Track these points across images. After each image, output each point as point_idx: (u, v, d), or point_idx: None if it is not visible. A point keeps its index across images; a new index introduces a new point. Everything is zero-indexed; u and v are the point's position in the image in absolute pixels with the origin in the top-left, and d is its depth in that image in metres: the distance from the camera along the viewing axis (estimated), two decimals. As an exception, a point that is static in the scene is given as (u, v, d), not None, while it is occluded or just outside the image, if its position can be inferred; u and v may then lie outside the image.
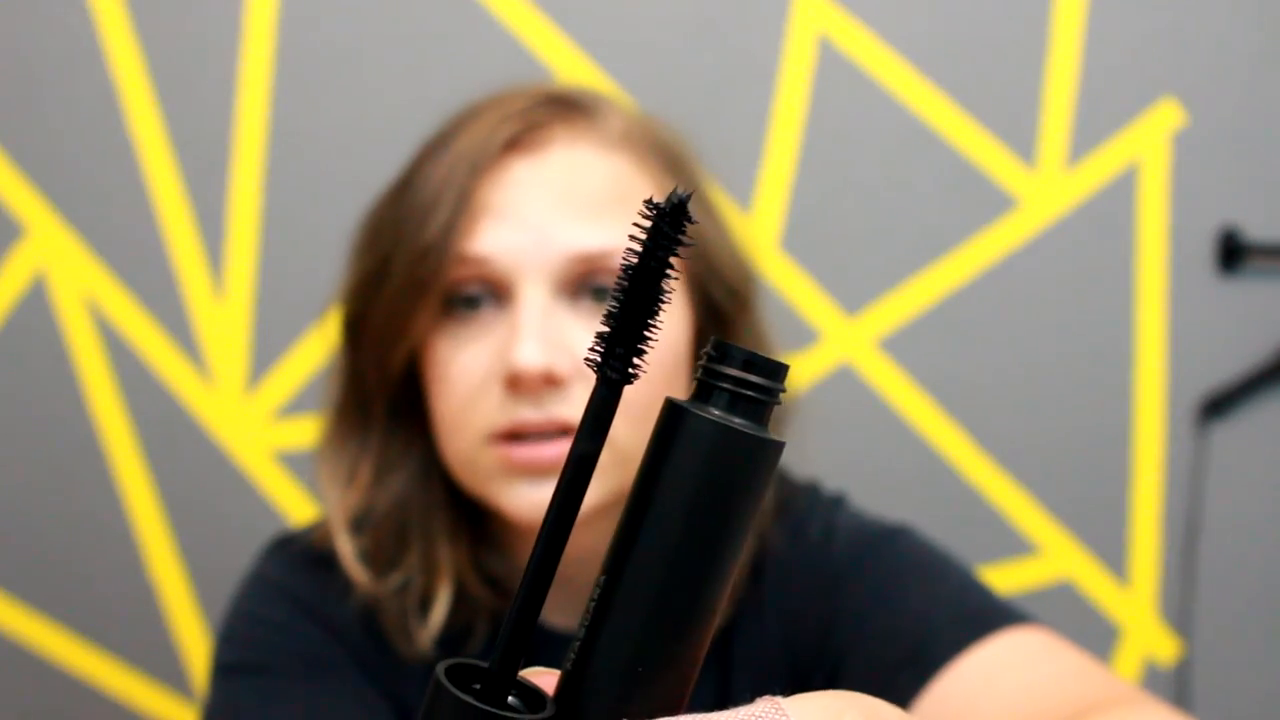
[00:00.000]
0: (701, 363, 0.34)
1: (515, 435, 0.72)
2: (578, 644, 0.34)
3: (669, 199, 0.32)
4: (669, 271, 0.33)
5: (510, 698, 0.35)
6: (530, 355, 0.69)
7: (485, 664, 0.35)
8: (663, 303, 0.33)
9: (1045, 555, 1.30)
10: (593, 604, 0.34)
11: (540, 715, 0.34)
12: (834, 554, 0.79)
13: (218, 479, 1.26)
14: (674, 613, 0.33)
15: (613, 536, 0.34)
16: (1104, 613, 1.30)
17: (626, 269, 0.32)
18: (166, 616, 1.27)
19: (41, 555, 1.26)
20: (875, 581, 0.76)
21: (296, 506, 1.27)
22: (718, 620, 0.35)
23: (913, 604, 0.74)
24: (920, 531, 0.81)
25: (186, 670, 1.27)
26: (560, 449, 0.71)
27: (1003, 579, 1.29)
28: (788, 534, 0.80)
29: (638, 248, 0.32)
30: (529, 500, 0.72)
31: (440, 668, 0.34)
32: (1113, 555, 1.31)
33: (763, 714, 0.31)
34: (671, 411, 0.34)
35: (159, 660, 1.27)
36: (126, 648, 1.27)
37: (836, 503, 0.84)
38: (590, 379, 0.71)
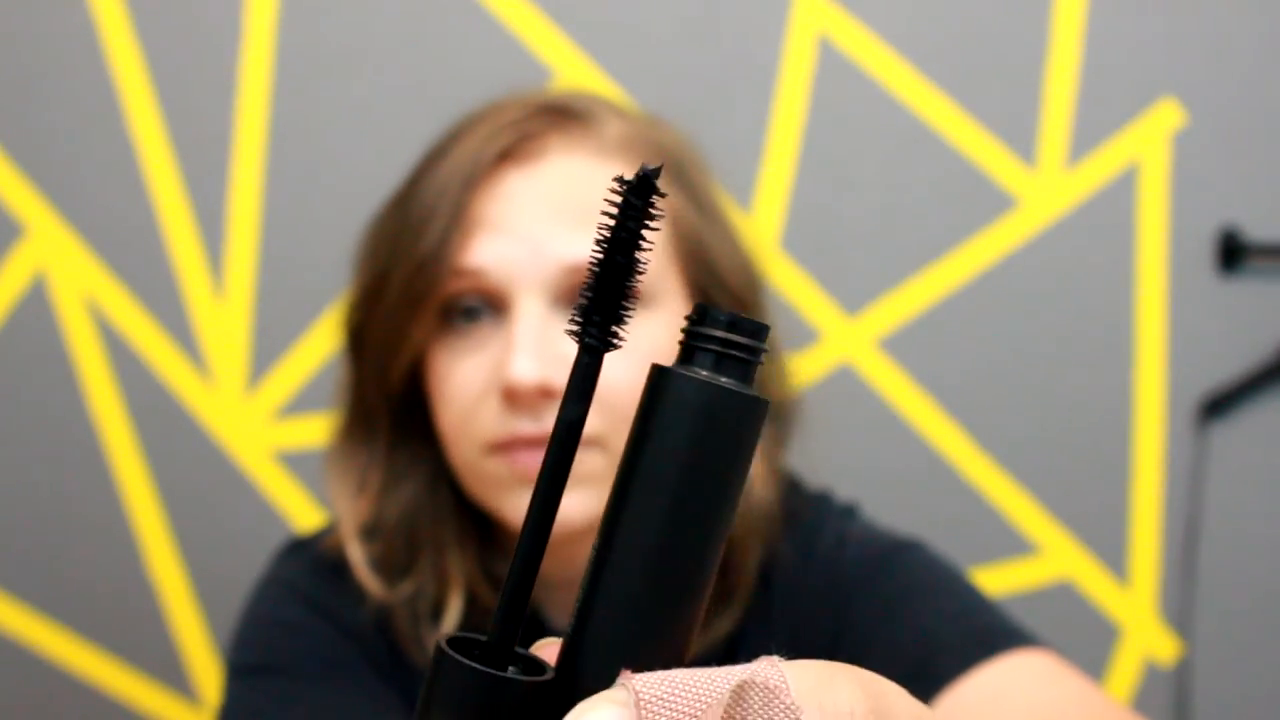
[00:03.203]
0: (685, 326, 0.35)
1: (513, 447, 0.72)
2: (576, 607, 0.35)
3: (637, 173, 0.34)
4: (640, 242, 0.34)
5: (511, 668, 0.35)
6: (525, 369, 0.69)
7: (484, 636, 0.36)
8: (637, 273, 0.34)
9: (1045, 555, 1.30)
10: (588, 572, 0.35)
11: (540, 678, 0.34)
12: (844, 566, 0.78)
13: (218, 479, 1.26)
14: (668, 576, 0.34)
15: (607, 501, 0.35)
16: (1104, 613, 1.30)
17: (599, 240, 0.34)
18: (166, 616, 1.27)
19: (41, 555, 1.26)
20: (885, 595, 0.76)
21: (297, 506, 1.27)
22: (713, 580, 0.35)
23: (921, 619, 0.74)
24: (932, 546, 0.81)
25: (186, 670, 1.27)
26: None
27: (1003, 579, 1.29)
28: (797, 545, 0.80)
29: (609, 221, 0.34)
30: None
31: (442, 639, 0.35)
32: (1113, 555, 1.31)
33: (760, 670, 0.32)
34: (658, 375, 0.34)
35: (159, 660, 1.27)
36: (126, 648, 1.27)
37: (848, 513, 0.84)
38: None
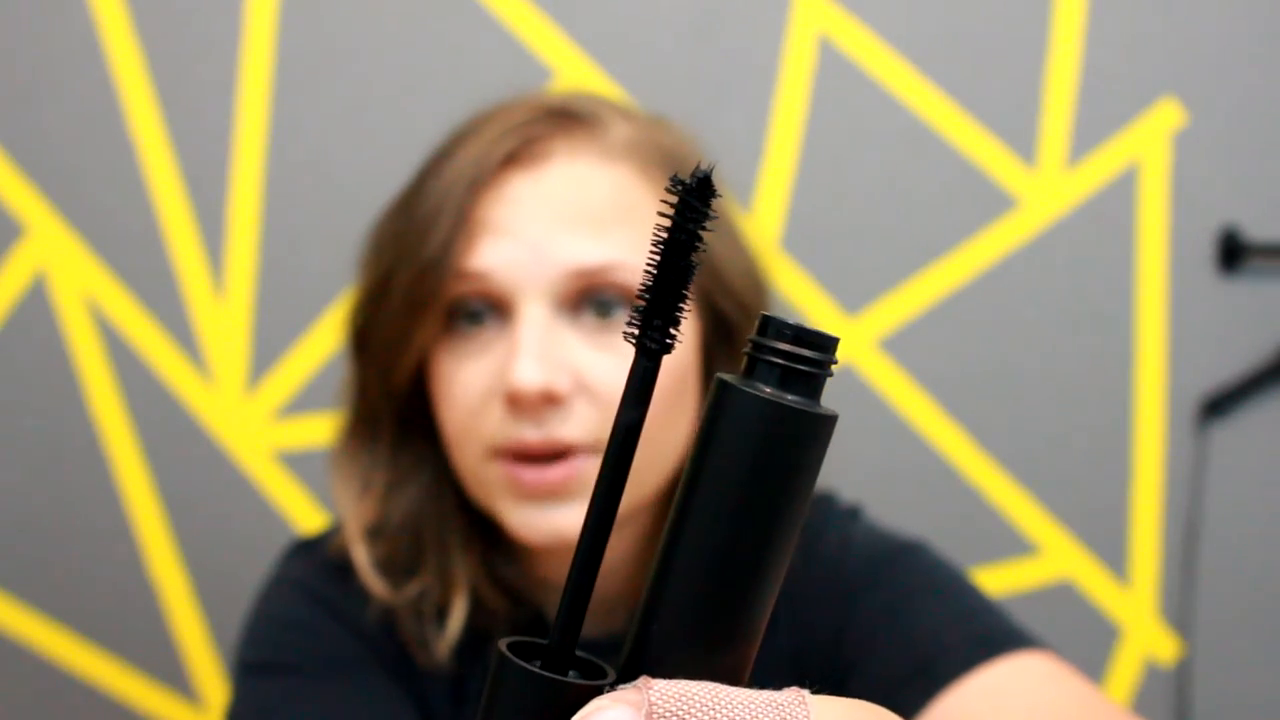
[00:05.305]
0: (750, 337, 0.34)
1: (517, 454, 0.72)
2: (636, 618, 0.34)
3: (694, 173, 0.33)
4: (698, 244, 0.33)
5: (571, 672, 0.35)
6: (528, 374, 0.69)
7: (544, 641, 0.36)
8: (693, 274, 0.33)
9: (1045, 555, 1.30)
10: (650, 582, 0.34)
11: (602, 682, 0.34)
12: (848, 567, 0.78)
13: (218, 479, 1.26)
14: (730, 594, 0.33)
15: (670, 514, 0.34)
16: (1104, 613, 1.30)
17: (657, 242, 0.33)
18: (166, 616, 1.27)
19: (41, 555, 1.26)
20: (888, 596, 0.76)
21: (297, 507, 1.27)
22: (775, 595, 0.35)
23: (924, 620, 0.73)
24: (936, 548, 0.81)
25: (186, 670, 1.27)
26: (564, 470, 0.71)
27: (1003, 579, 1.29)
28: (801, 548, 0.80)
29: (667, 223, 0.33)
30: (537, 524, 0.72)
31: (502, 643, 0.34)
32: (1113, 555, 1.31)
33: (786, 703, 0.31)
34: (721, 390, 0.33)
35: (159, 660, 1.27)
36: (126, 648, 1.27)
37: (852, 515, 0.84)
38: (589, 394, 0.71)
